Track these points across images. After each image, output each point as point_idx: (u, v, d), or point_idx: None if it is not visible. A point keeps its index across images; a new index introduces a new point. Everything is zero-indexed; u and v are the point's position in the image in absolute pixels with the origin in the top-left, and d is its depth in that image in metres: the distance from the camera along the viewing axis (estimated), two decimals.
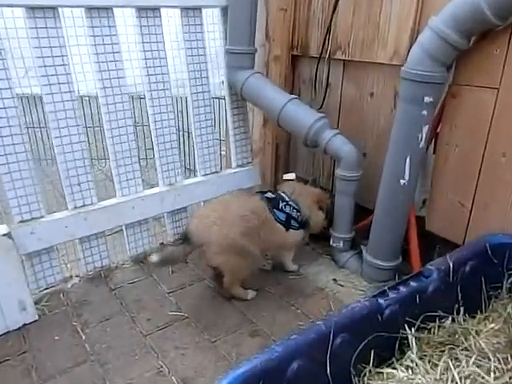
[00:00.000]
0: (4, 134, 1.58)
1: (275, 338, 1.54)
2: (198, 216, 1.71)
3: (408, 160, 1.56)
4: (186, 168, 2.81)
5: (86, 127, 2.88)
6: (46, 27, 1.59)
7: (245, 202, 1.71)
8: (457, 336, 1.20)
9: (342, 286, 1.83)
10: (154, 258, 1.60)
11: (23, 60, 1.81)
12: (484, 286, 1.35)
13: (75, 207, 1.80)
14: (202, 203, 2.13)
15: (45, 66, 1.62)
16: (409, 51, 1.52)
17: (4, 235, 1.55)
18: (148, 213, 1.99)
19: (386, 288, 1.16)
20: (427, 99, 1.47)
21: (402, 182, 1.60)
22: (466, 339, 1.19)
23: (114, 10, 1.73)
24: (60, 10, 1.61)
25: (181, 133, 2.93)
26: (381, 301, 1.13)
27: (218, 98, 2.63)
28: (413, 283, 1.20)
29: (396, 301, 1.14)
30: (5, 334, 1.58)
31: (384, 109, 1.86)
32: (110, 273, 1.94)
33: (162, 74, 1.91)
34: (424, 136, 1.53)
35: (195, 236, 1.61)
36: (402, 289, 1.18)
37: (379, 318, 1.12)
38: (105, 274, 1.93)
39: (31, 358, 1.48)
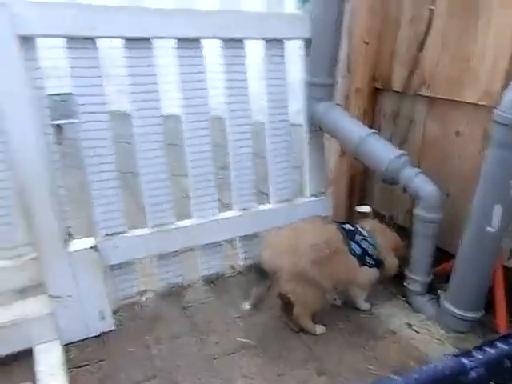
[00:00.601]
0: (98, 153, 1.70)
1: (342, 379, 1.51)
2: (271, 245, 1.71)
3: (497, 207, 1.47)
4: (261, 192, 2.84)
5: (172, 145, 3.00)
6: (141, 57, 1.70)
7: (318, 231, 1.70)
8: None
9: (416, 332, 1.74)
10: (247, 306, 1.65)
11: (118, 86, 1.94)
12: None
13: (154, 225, 1.89)
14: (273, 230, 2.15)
15: (136, 93, 1.73)
16: (502, 92, 1.43)
17: (91, 248, 1.66)
18: (221, 236, 2.04)
19: (470, 348, 1.10)
20: None
21: (489, 229, 1.51)
22: None
23: (202, 41, 1.81)
24: (153, 41, 1.72)
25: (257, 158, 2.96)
26: (465, 361, 1.07)
27: (296, 126, 2.64)
28: (501, 345, 1.12)
29: (482, 363, 1.08)
30: (86, 339, 1.70)
31: (471, 149, 1.77)
32: (182, 290, 2.01)
33: (243, 102, 1.97)
34: None
35: (268, 264, 1.62)
36: (490, 350, 1.11)
37: (463, 380, 1.06)
38: (177, 291, 2.00)
39: (108, 366, 1.57)
